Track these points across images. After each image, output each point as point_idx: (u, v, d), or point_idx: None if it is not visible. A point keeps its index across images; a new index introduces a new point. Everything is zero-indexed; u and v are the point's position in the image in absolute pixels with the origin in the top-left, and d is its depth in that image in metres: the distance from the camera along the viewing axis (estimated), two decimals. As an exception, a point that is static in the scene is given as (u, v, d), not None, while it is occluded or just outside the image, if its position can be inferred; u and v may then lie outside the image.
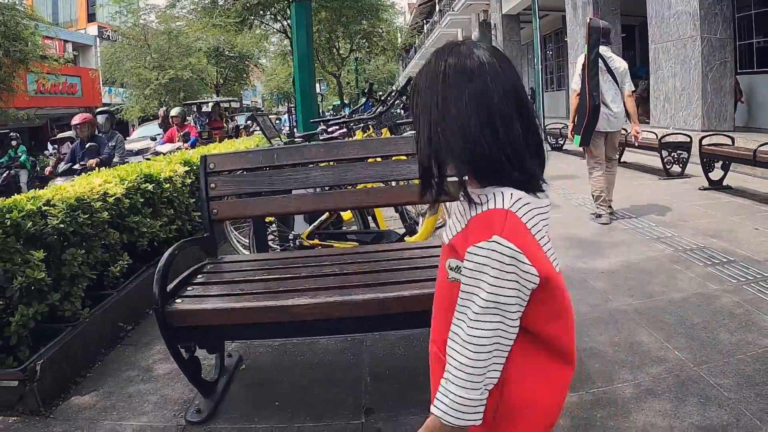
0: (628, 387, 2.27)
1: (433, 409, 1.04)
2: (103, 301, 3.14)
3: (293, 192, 2.57)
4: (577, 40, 13.54)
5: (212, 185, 2.46)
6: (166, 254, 2.02)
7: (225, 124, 15.20)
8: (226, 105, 18.37)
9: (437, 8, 30.24)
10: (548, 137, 11.20)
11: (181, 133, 9.82)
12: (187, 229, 4.47)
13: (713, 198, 5.63)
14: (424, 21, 35.71)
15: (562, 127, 10.53)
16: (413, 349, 2.74)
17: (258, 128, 6.21)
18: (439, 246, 2.46)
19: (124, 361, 2.85)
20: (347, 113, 6.98)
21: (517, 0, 17.51)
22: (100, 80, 26.70)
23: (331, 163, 2.43)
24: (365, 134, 4.59)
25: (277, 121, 18.90)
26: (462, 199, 1.06)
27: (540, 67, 12.29)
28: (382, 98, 4.37)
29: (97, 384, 2.62)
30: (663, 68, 9.86)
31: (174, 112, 10.12)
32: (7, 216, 2.61)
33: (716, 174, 6.03)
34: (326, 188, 2.58)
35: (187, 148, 7.84)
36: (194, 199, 4.65)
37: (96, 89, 26.35)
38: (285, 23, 17.63)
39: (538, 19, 12.50)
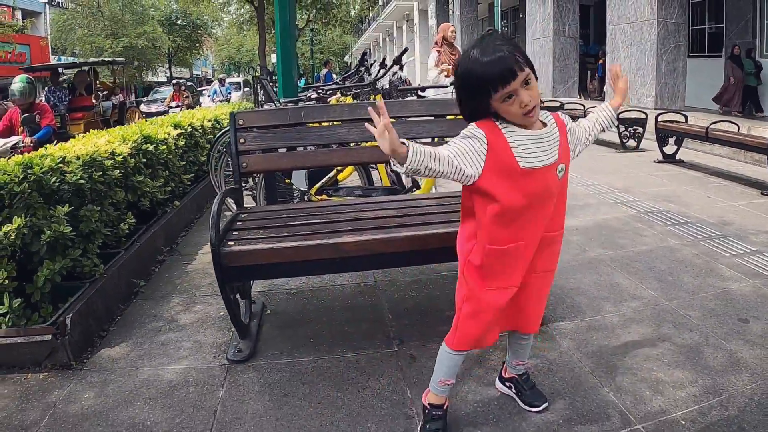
0: (614, 316, 2.66)
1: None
2: (112, 258, 3.21)
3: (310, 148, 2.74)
4: (535, 16, 13.94)
5: (241, 140, 2.61)
6: (216, 201, 2.17)
7: (96, 101, 11.53)
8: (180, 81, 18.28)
9: (394, -20, 30.07)
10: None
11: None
12: (178, 191, 4.57)
13: (668, 170, 6.11)
14: (380, -8, 35.46)
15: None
16: (423, 292, 3.03)
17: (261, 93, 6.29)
18: (446, 197, 2.73)
19: (145, 314, 2.95)
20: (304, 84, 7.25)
21: (476, -26, 17.75)
22: (50, 48, 25.47)
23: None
24: (339, 100, 4.82)
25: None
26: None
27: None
28: (379, 66, 4.54)
29: (123, 336, 2.69)
30: (619, 48, 10.35)
31: (16, 89, 5.68)
32: (29, 171, 2.66)
33: (669, 149, 6.52)
34: (351, 144, 2.78)
35: (28, 149, 4.89)
36: (184, 162, 4.74)
37: (46, 57, 25.10)
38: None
39: (498, -5, 12.82)
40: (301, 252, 2.08)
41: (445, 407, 1.87)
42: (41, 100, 8.03)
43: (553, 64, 13.15)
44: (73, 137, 3.73)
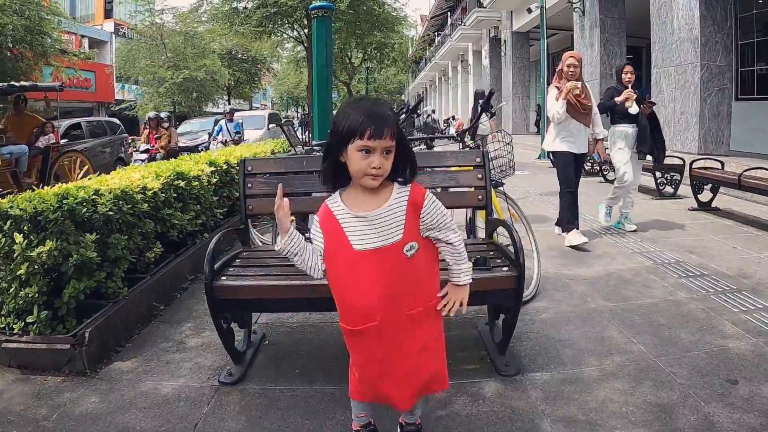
0: (594, 371, 2.67)
1: (465, 280, 1.83)
2: (137, 283, 3.54)
3: (313, 194, 2.99)
4: (584, 59, 13.95)
5: (249, 185, 2.89)
6: (214, 238, 2.44)
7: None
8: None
9: (449, 22, 30.78)
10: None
11: None
12: (209, 224, 4.89)
13: (700, 218, 6.01)
14: (436, 34, 36.27)
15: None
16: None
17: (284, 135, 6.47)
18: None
19: (158, 335, 3.26)
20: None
21: (528, 18, 17.97)
22: (114, 76, 27.21)
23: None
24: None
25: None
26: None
27: (546, 84, 12.73)
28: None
29: (135, 353, 3.02)
30: (664, 92, 10.25)
31: None
32: (64, 202, 3.02)
33: (705, 196, 6.39)
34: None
35: None
36: (217, 198, 5.07)
37: (110, 85, 26.87)
38: (302, 32, 18.12)
39: (546, 38, 12.97)
40: (280, 290, 2.31)
41: (372, 423, 2.07)
42: None
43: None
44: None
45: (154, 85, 22.84)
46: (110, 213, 3.26)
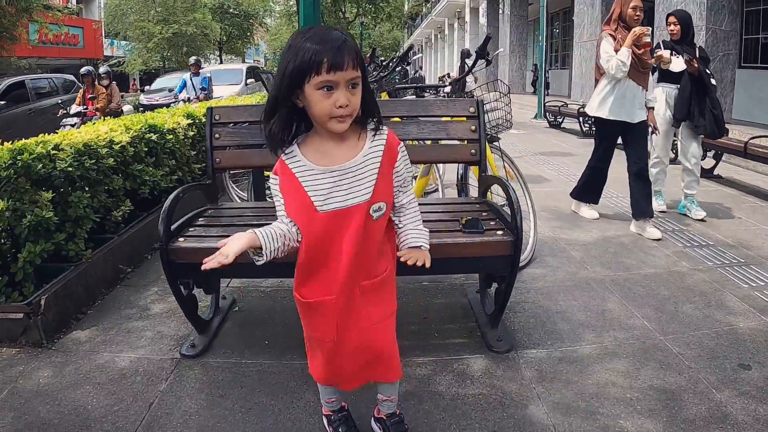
0: (594, 348, 2.42)
1: (423, 245, 1.58)
2: (105, 243, 3.28)
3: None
4: (584, 19, 13.52)
5: (216, 135, 2.58)
6: (171, 196, 2.16)
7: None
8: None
9: (447, -23, 29.83)
10: (548, 114, 11.28)
11: None
12: (187, 179, 4.60)
13: (702, 186, 5.74)
14: (433, -11, 35.24)
15: (562, 105, 10.60)
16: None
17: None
18: (431, 203, 2.61)
19: (123, 300, 3.01)
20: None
21: (527, -25, 17.37)
22: (103, 32, 26.38)
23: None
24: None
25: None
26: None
27: (545, 44, 12.28)
28: (384, 63, 4.40)
29: (96, 320, 2.77)
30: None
31: None
32: (18, 158, 2.73)
33: (708, 163, 6.13)
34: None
35: None
36: (195, 152, 4.77)
37: (98, 41, 26.02)
38: (293, -16, 17.49)
39: (546, -4, 12.45)
40: (240, 254, 2.01)
41: (345, 408, 1.85)
42: None
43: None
44: None
45: (143, 41, 22.20)
46: (69, 169, 2.97)
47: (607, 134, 4.20)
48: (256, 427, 1.92)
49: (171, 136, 4.28)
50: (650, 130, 4.33)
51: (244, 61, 35.25)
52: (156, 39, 21.36)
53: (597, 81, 4.18)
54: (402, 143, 1.51)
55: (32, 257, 2.69)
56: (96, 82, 9.16)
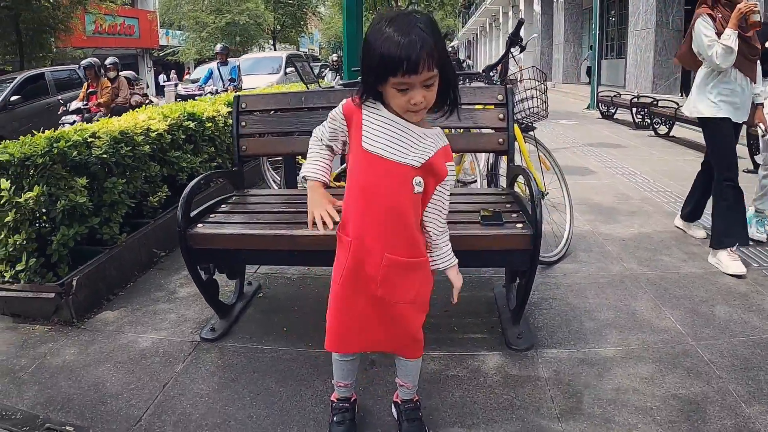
0: (617, 350, 2.31)
1: (453, 262, 1.63)
2: (140, 228, 3.39)
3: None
4: (638, 6, 12.98)
5: (243, 123, 2.62)
6: (191, 183, 2.20)
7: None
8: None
9: (502, -36, 29.22)
10: (600, 105, 10.92)
11: None
12: (227, 166, 4.69)
13: (754, 181, 5.41)
14: (487, -23, 34.55)
15: (614, 95, 10.23)
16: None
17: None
18: (457, 193, 2.56)
19: (153, 283, 3.11)
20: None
21: (583, -38, 16.79)
22: (158, 22, 27.14)
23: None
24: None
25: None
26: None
27: (598, 32, 11.86)
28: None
29: (126, 302, 2.88)
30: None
31: None
32: (55, 145, 2.84)
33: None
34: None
35: None
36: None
37: (153, 31, 26.81)
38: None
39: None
40: (257, 241, 2.05)
41: (352, 399, 1.82)
42: None
43: (654, 58, 12.17)
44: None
45: (197, 31, 22.70)
46: (105, 156, 3.07)
47: (724, 138, 3.30)
48: (262, 412, 1.94)
49: (210, 124, 4.37)
50: (761, 132, 3.72)
51: (298, 50, 35.52)
52: (209, 28, 21.80)
53: (683, 72, 3.64)
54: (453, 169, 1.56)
55: (66, 240, 2.81)
56: (102, 75, 8.40)
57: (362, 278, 1.53)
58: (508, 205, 2.36)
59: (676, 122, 7.69)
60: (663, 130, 8.17)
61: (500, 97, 2.55)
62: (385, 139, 1.44)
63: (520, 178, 2.68)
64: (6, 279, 2.74)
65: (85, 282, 2.75)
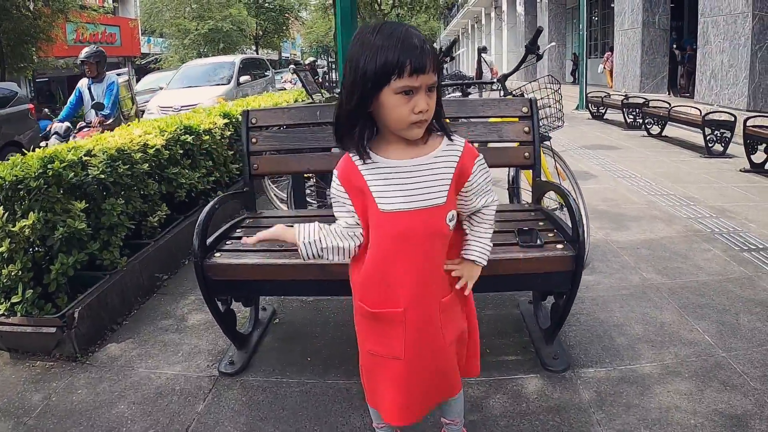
0: (654, 367, 2.23)
1: (477, 259, 1.45)
2: (141, 250, 3.21)
3: (333, 150, 2.57)
4: (624, 6, 13.05)
5: (253, 140, 2.47)
6: (206, 208, 2.05)
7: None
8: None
9: (482, -34, 29.33)
10: (590, 105, 10.93)
11: None
12: (224, 180, 4.54)
13: (755, 182, 5.40)
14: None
15: (605, 96, 10.24)
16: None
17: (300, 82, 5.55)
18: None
19: (159, 310, 2.94)
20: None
21: (566, -39, 16.88)
22: (140, 30, 26.74)
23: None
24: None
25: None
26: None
27: (585, 33, 11.86)
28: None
29: (132, 332, 2.70)
30: (711, 43, 9.48)
31: None
32: (49, 166, 2.64)
33: (759, 157, 5.77)
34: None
35: None
36: (232, 152, 4.70)
37: (135, 39, 26.39)
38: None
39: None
40: (284, 270, 1.91)
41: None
42: None
43: (642, 57, 12.25)
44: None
45: (180, 38, 22.40)
46: (102, 176, 2.90)
47: None
48: (300, 457, 1.81)
49: (207, 137, 4.21)
50: None
51: (280, 55, 35.07)
52: (192, 35, 21.51)
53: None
54: (480, 156, 1.37)
55: (65, 269, 2.63)
56: None
57: (426, 340, 1.38)
58: (540, 223, 2.26)
59: (669, 122, 7.70)
60: (656, 130, 8.18)
61: (525, 109, 2.45)
62: (399, 189, 1.28)
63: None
64: (1, 312, 2.55)
65: (87, 313, 2.57)
